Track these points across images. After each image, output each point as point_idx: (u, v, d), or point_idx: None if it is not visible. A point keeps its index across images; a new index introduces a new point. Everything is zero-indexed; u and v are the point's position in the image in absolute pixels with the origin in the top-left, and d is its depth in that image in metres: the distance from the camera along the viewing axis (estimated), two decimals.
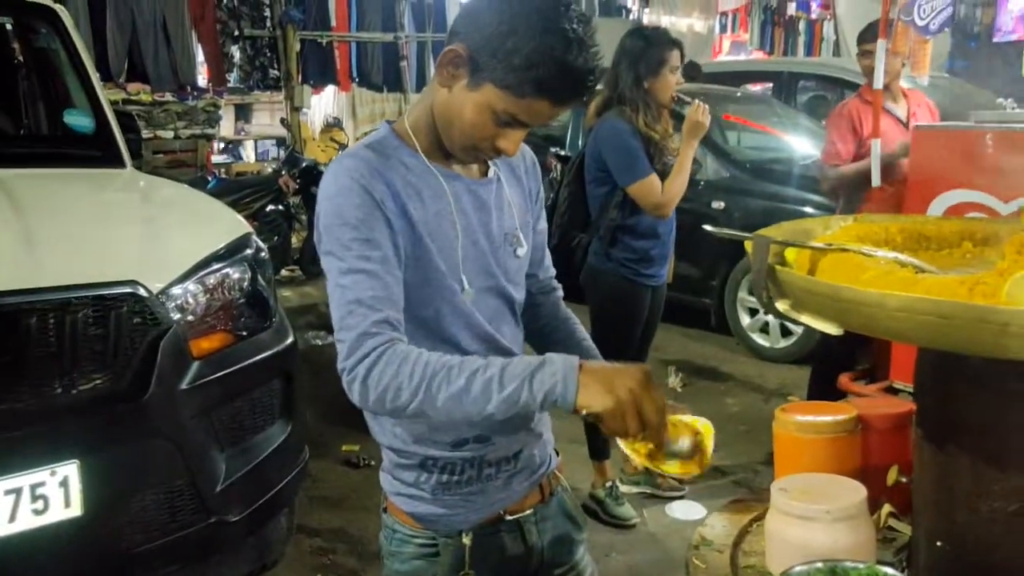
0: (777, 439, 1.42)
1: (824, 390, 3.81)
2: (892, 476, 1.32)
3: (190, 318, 2.60)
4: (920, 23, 3.39)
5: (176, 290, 2.60)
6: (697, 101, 3.29)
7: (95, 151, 3.48)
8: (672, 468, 1.36)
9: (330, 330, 5.01)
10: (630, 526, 3.61)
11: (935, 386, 1.15)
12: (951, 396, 1.11)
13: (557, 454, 1.69)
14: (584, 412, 1.24)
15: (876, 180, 3.64)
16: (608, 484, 3.66)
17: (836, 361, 3.95)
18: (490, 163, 1.53)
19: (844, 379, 3.75)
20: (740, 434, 4.26)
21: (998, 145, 3.12)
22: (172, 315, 2.53)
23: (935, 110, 4.03)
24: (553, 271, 1.73)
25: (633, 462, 1.41)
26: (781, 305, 1.13)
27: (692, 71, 7.24)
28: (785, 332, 5.53)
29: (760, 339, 5.68)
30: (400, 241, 1.37)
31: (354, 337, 1.30)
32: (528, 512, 1.58)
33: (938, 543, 1.15)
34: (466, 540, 1.51)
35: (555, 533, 1.63)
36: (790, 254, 1.29)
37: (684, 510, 3.73)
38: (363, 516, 3.71)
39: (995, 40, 4.29)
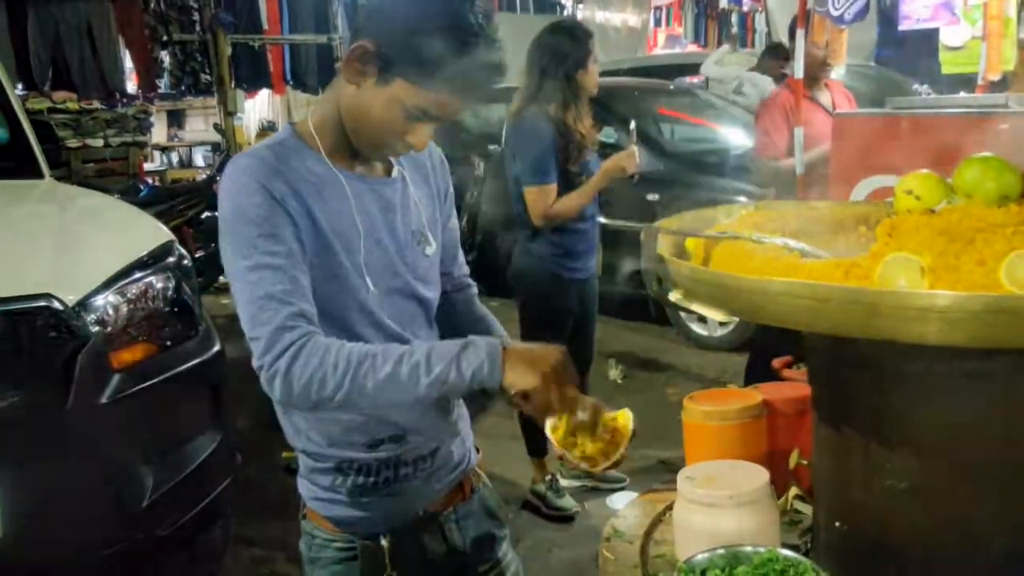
0: (686, 428, 1.44)
1: (760, 376, 3.84)
2: (794, 459, 1.34)
3: (109, 329, 2.55)
4: (835, 13, 3.45)
5: (95, 301, 2.54)
6: (634, 147, 3.33)
7: (10, 162, 3.39)
8: (590, 448, 1.40)
9: None
10: (571, 516, 3.63)
11: (826, 369, 1.17)
12: (840, 378, 1.13)
13: (477, 451, 1.69)
14: (512, 391, 1.28)
15: (800, 168, 3.71)
16: (548, 478, 3.67)
17: (772, 347, 3.99)
18: (394, 162, 1.52)
19: (777, 364, 3.80)
20: (681, 424, 4.29)
21: (913, 130, 3.19)
22: (90, 327, 2.48)
23: (852, 98, 4.11)
24: (467, 268, 1.72)
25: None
26: (674, 294, 1.14)
27: (779, 52, 6.59)
28: (723, 321, 5.60)
29: (699, 328, 5.74)
30: (304, 238, 1.37)
31: (270, 332, 1.29)
32: (449, 511, 1.58)
33: (836, 523, 1.17)
34: (384, 542, 1.50)
35: (477, 531, 1.62)
36: (689, 243, 1.30)
37: (625, 502, 3.74)
38: None
39: (901, 28, 4.38)
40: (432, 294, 1.56)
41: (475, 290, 1.73)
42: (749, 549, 1.15)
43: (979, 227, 0.95)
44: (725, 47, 7.78)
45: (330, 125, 1.43)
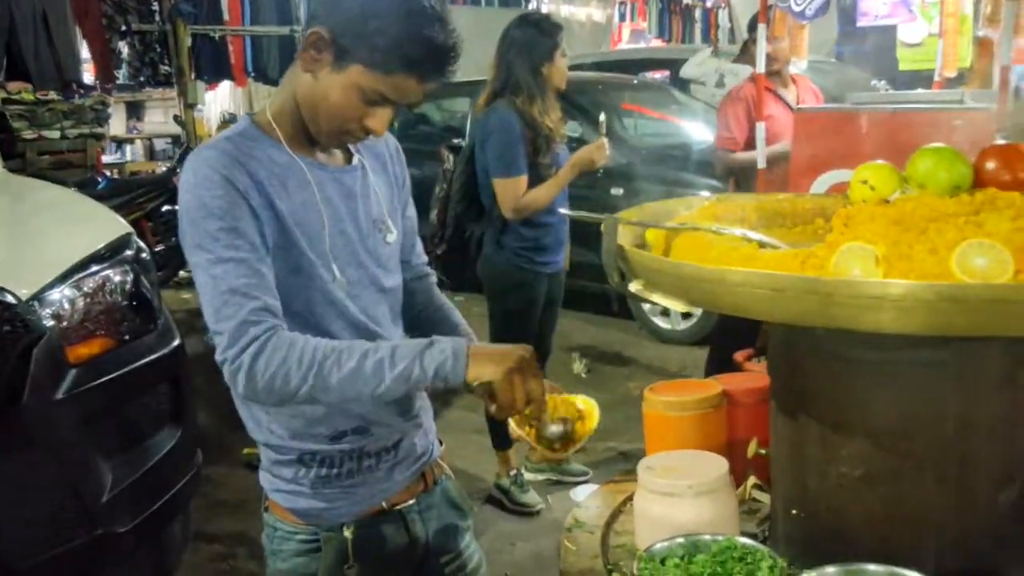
0: (647, 418, 1.45)
1: (721, 369, 3.89)
2: (752, 449, 1.36)
3: (65, 324, 2.50)
4: (796, 9, 3.49)
5: (50, 295, 2.49)
6: (604, 140, 3.34)
7: None
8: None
9: None
10: (535, 512, 3.64)
11: (784, 358, 1.18)
12: (798, 367, 1.14)
13: (440, 443, 1.69)
14: (475, 383, 1.30)
15: (761, 162, 3.74)
16: (512, 472, 3.68)
17: (733, 340, 4.03)
18: (354, 151, 1.53)
19: (739, 356, 3.85)
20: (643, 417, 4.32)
21: (872, 126, 3.24)
22: (45, 321, 2.43)
23: (819, 94, 4.16)
24: (425, 257, 1.73)
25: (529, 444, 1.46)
26: (634, 285, 1.14)
27: None
28: (685, 314, 5.64)
29: (661, 322, 5.78)
30: (267, 231, 1.36)
31: (234, 326, 1.29)
32: (411, 502, 1.58)
33: (793, 511, 1.19)
34: (347, 533, 1.50)
35: (440, 522, 1.63)
36: (649, 235, 1.31)
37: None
38: None
39: (859, 25, 4.42)
40: (394, 283, 1.56)
41: (434, 279, 1.74)
42: (708, 537, 1.17)
43: (932, 216, 0.96)
44: (706, 50, 7.79)
45: (288, 114, 1.43)
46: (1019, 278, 0.88)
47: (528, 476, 3.76)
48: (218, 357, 1.31)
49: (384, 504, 1.54)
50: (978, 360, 1.05)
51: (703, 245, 1.14)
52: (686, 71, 7.14)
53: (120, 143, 10.43)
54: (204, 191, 1.33)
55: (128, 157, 10.49)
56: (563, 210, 3.17)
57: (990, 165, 0.99)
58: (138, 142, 10.85)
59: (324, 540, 1.51)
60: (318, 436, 1.47)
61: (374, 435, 1.50)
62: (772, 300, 0.94)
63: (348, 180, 1.49)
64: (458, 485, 1.71)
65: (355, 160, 1.52)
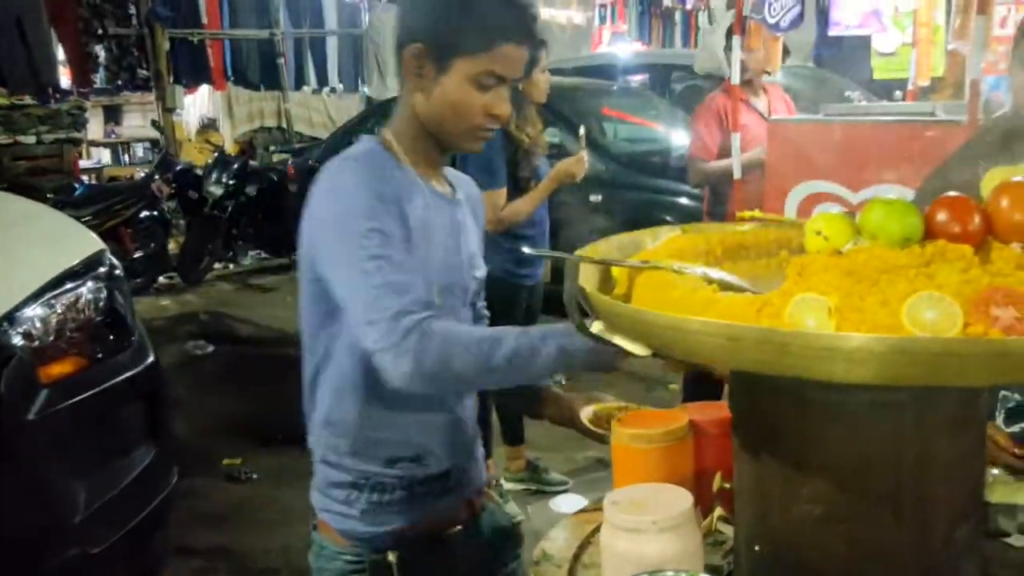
0: (614, 450, 1.45)
1: (698, 377, 3.92)
2: (717, 483, 1.37)
3: (36, 343, 2.50)
4: (771, 21, 3.51)
5: (21, 314, 2.49)
6: (583, 153, 3.36)
7: None
8: None
9: (210, 340, 4.84)
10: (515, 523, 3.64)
11: (746, 396, 1.19)
12: (759, 405, 1.15)
13: (488, 469, 1.71)
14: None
15: (737, 173, 3.77)
16: (492, 482, 3.68)
17: None
18: (455, 186, 1.58)
19: None
20: None
21: (845, 137, 3.27)
22: (15, 341, 2.43)
23: (791, 103, 4.20)
24: (484, 301, 1.76)
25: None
26: (596, 326, 1.15)
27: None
28: None
29: None
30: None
31: (391, 315, 1.29)
32: (458, 528, 1.60)
33: (756, 547, 1.20)
34: (392, 558, 1.52)
35: (486, 548, 1.67)
36: (615, 270, 1.31)
37: (568, 504, 3.78)
38: (247, 533, 3.63)
39: (831, 34, 4.45)
40: (467, 317, 1.61)
41: (487, 321, 1.76)
42: (671, 574, 1.17)
43: (883, 268, 0.97)
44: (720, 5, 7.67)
45: (408, 137, 1.48)
46: (968, 331, 0.89)
47: (507, 486, 3.75)
48: (373, 345, 1.30)
49: (431, 530, 1.56)
50: (934, 402, 1.07)
51: (664, 285, 1.14)
52: (711, 47, 7.07)
53: (113, 147, 10.35)
54: (354, 193, 1.37)
55: (107, 161, 10.41)
56: (527, 249, 3.23)
57: (941, 217, 1.00)
58: (116, 147, 10.77)
59: (369, 564, 1.53)
60: (375, 457, 1.50)
61: (428, 465, 1.53)
62: (728, 349, 0.95)
63: (457, 212, 1.55)
64: (505, 511, 1.75)
65: (459, 194, 1.58)
